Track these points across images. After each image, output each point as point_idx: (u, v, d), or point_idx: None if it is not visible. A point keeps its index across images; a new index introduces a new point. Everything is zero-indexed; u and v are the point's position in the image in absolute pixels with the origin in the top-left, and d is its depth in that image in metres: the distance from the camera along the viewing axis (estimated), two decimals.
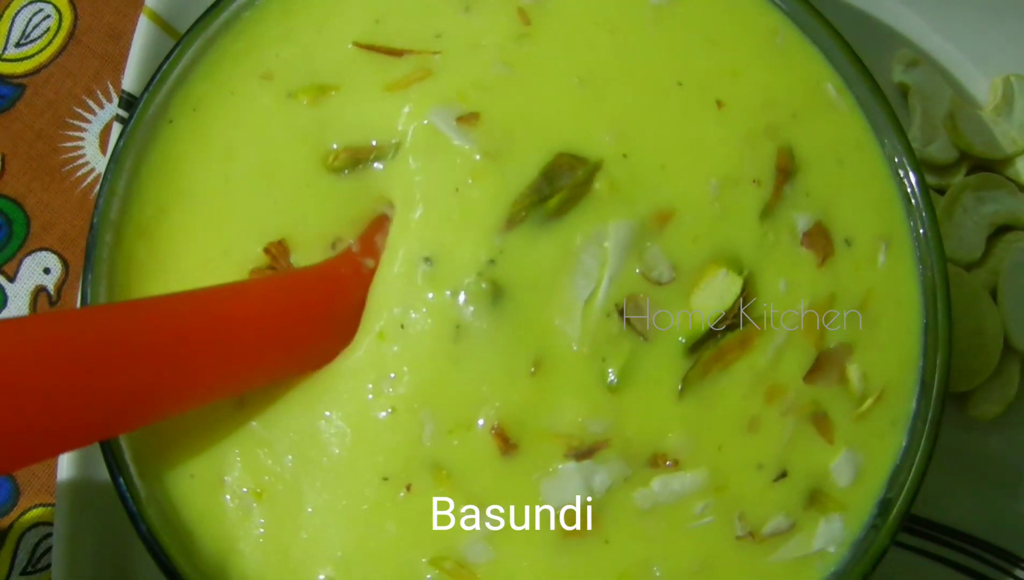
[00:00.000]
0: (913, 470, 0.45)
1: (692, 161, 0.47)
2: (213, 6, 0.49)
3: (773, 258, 0.47)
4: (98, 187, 0.48)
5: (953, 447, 0.58)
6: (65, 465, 0.53)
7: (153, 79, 0.48)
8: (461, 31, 0.49)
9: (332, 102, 0.48)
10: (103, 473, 0.53)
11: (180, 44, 0.49)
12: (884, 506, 0.46)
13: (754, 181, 0.47)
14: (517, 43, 0.48)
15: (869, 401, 0.47)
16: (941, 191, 0.61)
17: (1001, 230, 0.61)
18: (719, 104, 0.48)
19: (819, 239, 0.48)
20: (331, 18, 0.50)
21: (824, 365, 0.47)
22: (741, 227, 0.47)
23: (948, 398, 0.58)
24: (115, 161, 0.47)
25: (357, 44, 0.49)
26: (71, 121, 0.68)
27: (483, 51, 0.48)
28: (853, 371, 0.47)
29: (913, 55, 0.62)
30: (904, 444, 0.47)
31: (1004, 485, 0.59)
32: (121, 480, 0.46)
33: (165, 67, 0.48)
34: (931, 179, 0.62)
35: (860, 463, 0.47)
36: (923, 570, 0.58)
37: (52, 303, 0.65)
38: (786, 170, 0.48)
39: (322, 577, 0.46)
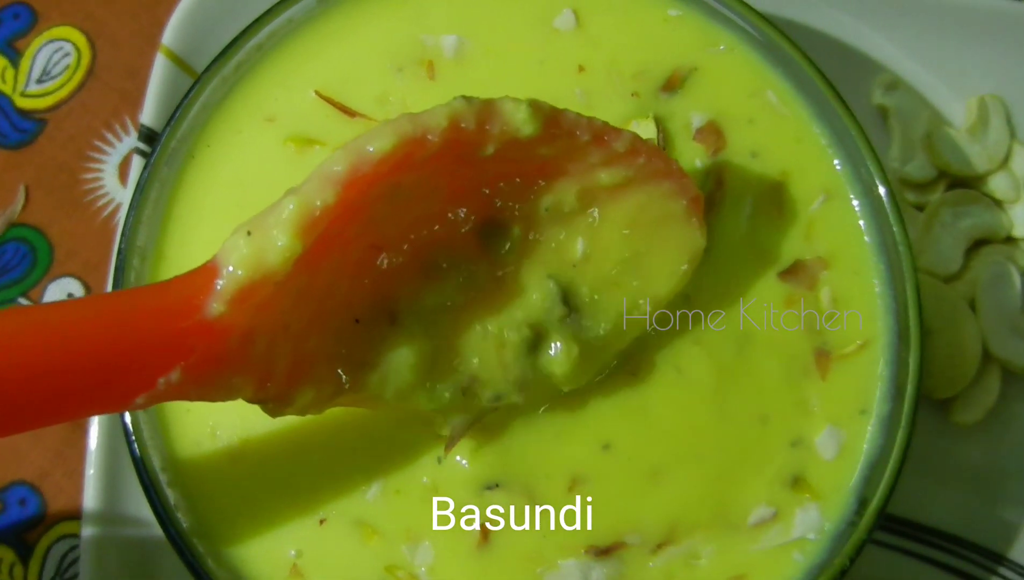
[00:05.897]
0: (889, 468, 0.48)
1: None
2: (227, 48, 0.52)
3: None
4: (124, 215, 0.51)
5: (935, 452, 0.60)
6: (91, 479, 0.56)
7: (175, 115, 0.52)
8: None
9: (315, 155, 0.52)
10: (128, 486, 0.56)
11: (198, 83, 0.52)
12: (862, 504, 0.49)
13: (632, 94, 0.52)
14: None
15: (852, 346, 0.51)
16: (920, 208, 0.63)
17: (978, 244, 0.63)
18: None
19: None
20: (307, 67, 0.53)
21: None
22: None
23: (931, 405, 0.60)
24: (141, 191, 0.50)
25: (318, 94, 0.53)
26: (91, 154, 0.71)
27: None
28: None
29: (892, 78, 0.65)
30: (880, 443, 0.49)
31: (985, 488, 0.61)
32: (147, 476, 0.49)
33: (185, 103, 0.52)
34: (910, 196, 0.64)
35: (842, 441, 0.50)
36: (910, 569, 0.60)
37: None
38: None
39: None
